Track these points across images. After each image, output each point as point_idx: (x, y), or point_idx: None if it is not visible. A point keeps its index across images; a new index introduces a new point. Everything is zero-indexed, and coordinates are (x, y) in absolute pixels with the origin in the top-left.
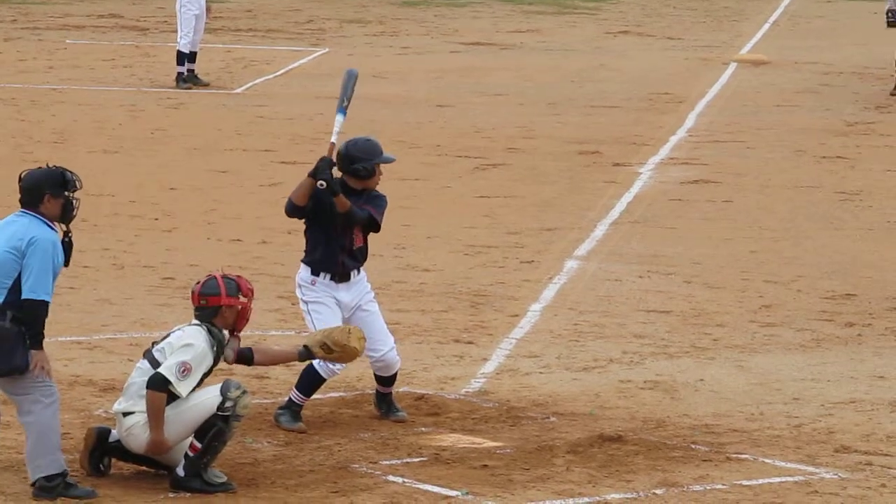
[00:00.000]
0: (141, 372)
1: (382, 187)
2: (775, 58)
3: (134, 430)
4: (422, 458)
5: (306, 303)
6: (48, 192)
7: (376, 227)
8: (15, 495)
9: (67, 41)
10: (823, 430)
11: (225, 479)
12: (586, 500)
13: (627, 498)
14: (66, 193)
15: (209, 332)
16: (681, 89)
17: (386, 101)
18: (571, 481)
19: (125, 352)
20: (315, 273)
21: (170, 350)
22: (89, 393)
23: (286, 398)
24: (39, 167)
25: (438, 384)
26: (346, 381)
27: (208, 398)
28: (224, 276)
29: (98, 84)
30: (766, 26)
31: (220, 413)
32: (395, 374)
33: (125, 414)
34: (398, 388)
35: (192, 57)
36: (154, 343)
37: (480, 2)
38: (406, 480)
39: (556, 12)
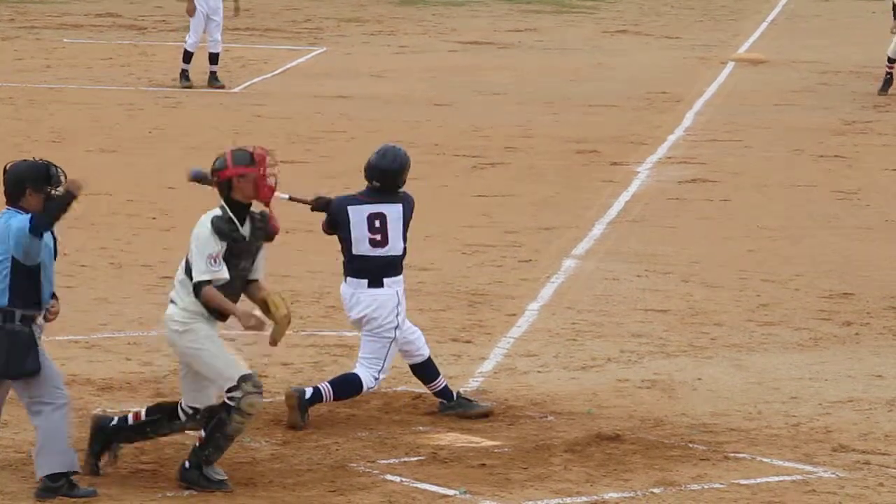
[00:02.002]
0: (180, 269)
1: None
2: (773, 57)
3: (168, 320)
4: (419, 457)
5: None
6: (29, 187)
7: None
8: (13, 494)
9: (65, 40)
10: (821, 429)
11: (224, 477)
12: (584, 499)
13: (625, 497)
14: (48, 188)
15: (216, 216)
16: (679, 88)
17: (384, 100)
18: (569, 480)
19: (123, 351)
20: None
21: (191, 254)
22: (87, 392)
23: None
24: (24, 160)
25: None
26: None
27: (233, 365)
28: (234, 149)
29: (96, 83)
30: (764, 25)
31: (226, 400)
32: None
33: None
34: (396, 388)
35: (186, 56)
36: None
37: (478, 1)
38: (404, 479)
39: (555, 11)
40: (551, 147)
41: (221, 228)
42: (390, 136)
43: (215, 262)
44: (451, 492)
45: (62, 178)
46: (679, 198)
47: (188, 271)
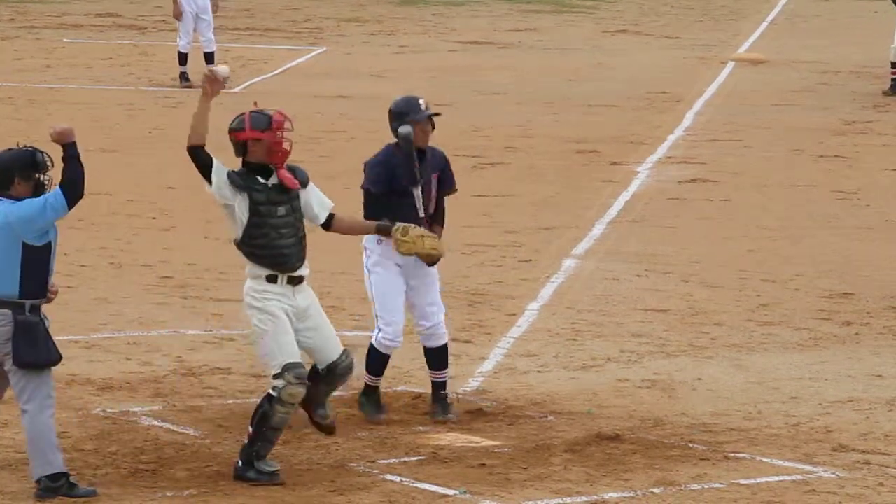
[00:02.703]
0: None
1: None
2: (773, 57)
3: (246, 294)
4: (419, 457)
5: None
6: (17, 175)
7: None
8: (13, 494)
9: (65, 40)
10: (821, 429)
11: (276, 468)
12: (584, 498)
13: (625, 497)
14: (37, 175)
15: (231, 172)
16: (679, 88)
17: (384, 100)
18: (569, 480)
19: (123, 350)
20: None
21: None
22: (87, 392)
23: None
24: (10, 149)
25: None
26: None
27: (286, 352)
28: (253, 111)
29: (96, 83)
30: (764, 25)
31: (269, 390)
32: (447, 355)
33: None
34: (396, 387)
35: (182, 59)
36: None
37: (478, 1)
38: (404, 479)
39: (554, 11)
40: (551, 147)
41: (235, 180)
42: (390, 136)
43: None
44: (451, 492)
45: (49, 164)
46: (679, 198)
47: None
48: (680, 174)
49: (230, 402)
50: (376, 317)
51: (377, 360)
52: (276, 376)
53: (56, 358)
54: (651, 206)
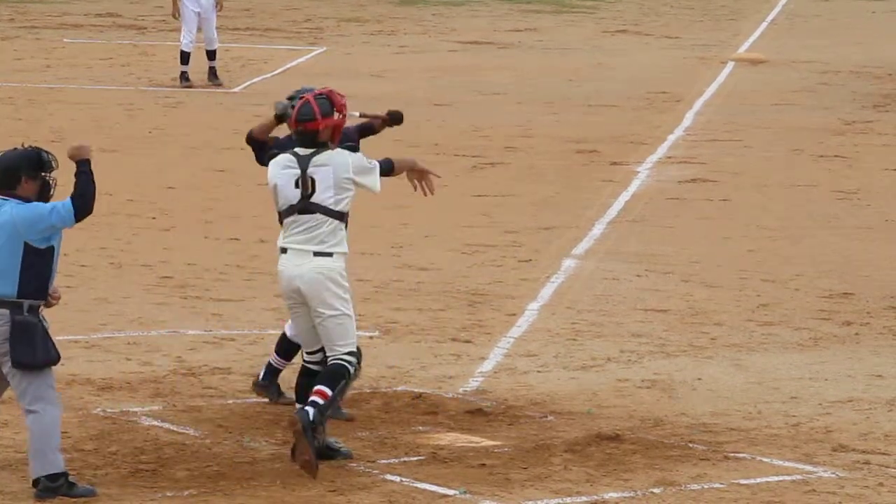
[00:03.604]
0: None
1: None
2: (773, 57)
3: (330, 271)
4: (419, 457)
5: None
6: (24, 175)
7: None
8: (13, 494)
9: (65, 40)
10: (821, 429)
11: (341, 446)
12: (584, 498)
13: (625, 497)
14: (43, 174)
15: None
16: (679, 88)
17: (384, 100)
18: (569, 480)
19: (123, 350)
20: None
21: (359, 177)
22: (87, 392)
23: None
24: (15, 148)
25: (436, 383)
26: None
27: (355, 334)
28: (317, 96)
29: (96, 83)
30: (764, 25)
31: (349, 364)
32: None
33: (318, 254)
34: (396, 387)
35: (183, 57)
36: (302, 196)
37: (478, 1)
38: (403, 479)
39: (554, 11)
40: (551, 147)
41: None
42: (390, 135)
43: (373, 166)
44: (451, 492)
45: (54, 163)
46: (679, 198)
47: (336, 214)
48: (680, 174)
49: (230, 402)
50: None
51: (289, 347)
52: (352, 353)
53: (54, 358)
54: (651, 206)
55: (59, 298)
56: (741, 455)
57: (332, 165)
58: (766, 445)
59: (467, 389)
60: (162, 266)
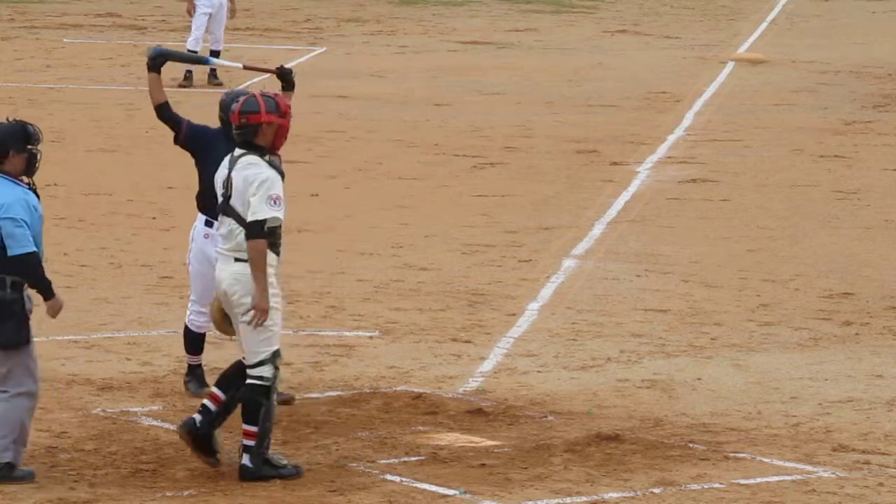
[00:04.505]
0: (227, 226)
1: (378, 183)
2: (773, 57)
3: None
4: (419, 457)
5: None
6: (12, 149)
7: None
8: (13, 494)
9: (65, 40)
10: (821, 429)
11: (287, 461)
12: (584, 498)
13: (625, 497)
14: (30, 147)
15: (269, 162)
16: (678, 88)
17: (384, 100)
18: (569, 480)
19: (123, 350)
20: (208, 224)
21: (248, 195)
22: (87, 392)
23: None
24: (2, 122)
25: (436, 383)
26: (343, 379)
27: (279, 338)
28: (263, 94)
29: (96, 83)
30: (764, 25)
31: (256, 381)
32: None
33: (238, 260)
34: (396, 387)
35: None
36: (224, 196)
37: (478, 1)
38: (403, 479)
39: (554, 11)
40: (551, 147)
41: (278, 167)
42: (390, 135)
43: (277, 203)
44: (451, 492)
45: (39, 135)
46: (679, 198)
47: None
48: (680, 174)
49: None
50: (191, 299)
51: (194, 340)
52: (261, 363)
53: (23, 340)
54: (651, 206)
55: (61, 308)
56: (741, 455)
57: (245, 175)
58: (766, 445)
59: (467, 389)
60: (162, 266)
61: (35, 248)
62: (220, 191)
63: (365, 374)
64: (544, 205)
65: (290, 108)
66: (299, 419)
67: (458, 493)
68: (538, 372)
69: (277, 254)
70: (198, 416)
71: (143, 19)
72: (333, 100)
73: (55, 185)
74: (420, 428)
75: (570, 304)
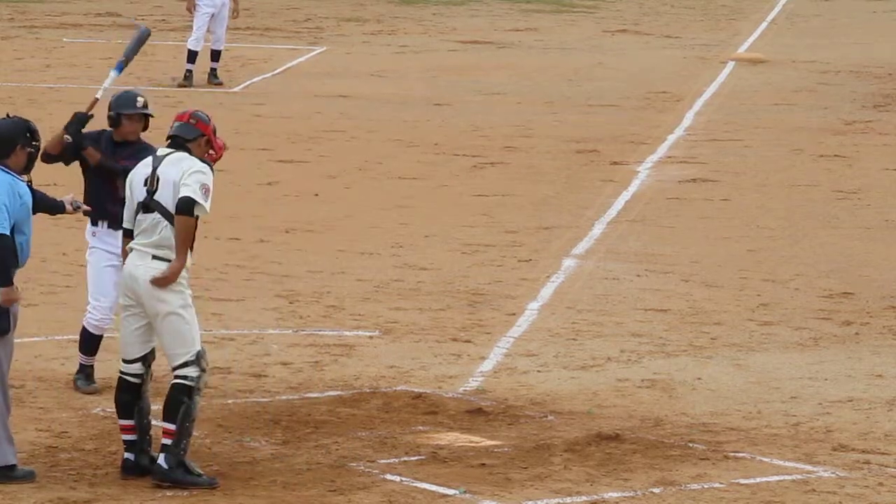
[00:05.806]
0: (151, 220)
1: (378, 182)
2: (773, 56)
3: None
4: (419, 457)
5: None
6: (20, 144)
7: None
8: (13, 494)
9: (65, 40)
10: (821, 429)
11: (203, 473)
12: (584, 498)
13: (625, 496)
14: (35, 143)
15: (202, 160)
16: (679, 88)
17: (383, 100)
18: (569, 480)
19: None
20: (94, 223)
21: (181, 181)
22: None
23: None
24: (3, 118)
25: (436, 383)
26: (343, 379)
27: (198, 338)
28: (198, 111)
29: (95, 83)
30: (764, 25)
31: (182, 381)
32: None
33: (156, 258)
34: (396, 387)
35: (191, 56)
36: (147, 192)
37: (478, 0)
38: (404, 479)
39: (554, 11)
40: (551, 147)
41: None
42: (390, 135)
43: (207, 193)
44: (451, 491)
45: (38, 134)
46: (679, 197)
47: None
48: (680, 174)
49: (230, 402)
50: (89, 298)
51: (89, 340)
52: (186, 364)
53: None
54: (651, 205)
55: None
56: (741, 455)
57: (180, 166)
58: (766, 445)
59: (467, 389)
60: None
61: (7, 232)
62: (139, 189)
63: (365, 373)
64: (544, 205)
65: (223, 150)
66: (299, 419)
67: (458, 492)
68: (538, 372)
69: (191, 252)
70: (129, 455)
71: (142, 19)
72: (333, 99)
73: (55, 184)
74: (420, 428)
75: (570, 304)
